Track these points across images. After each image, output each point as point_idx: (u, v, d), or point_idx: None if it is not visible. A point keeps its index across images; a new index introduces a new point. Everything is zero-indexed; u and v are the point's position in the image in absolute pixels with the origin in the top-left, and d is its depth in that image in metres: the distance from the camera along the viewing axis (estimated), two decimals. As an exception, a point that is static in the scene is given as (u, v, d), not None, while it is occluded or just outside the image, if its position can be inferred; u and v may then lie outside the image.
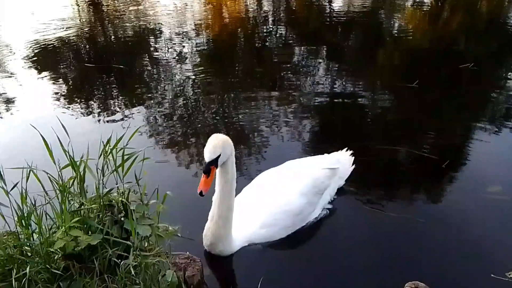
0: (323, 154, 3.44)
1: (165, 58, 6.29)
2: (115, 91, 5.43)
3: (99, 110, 4.87)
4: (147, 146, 4.01)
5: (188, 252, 2.59)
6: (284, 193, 2.86)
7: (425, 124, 4.49)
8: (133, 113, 4.74)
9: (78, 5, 9.14)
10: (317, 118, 4.72)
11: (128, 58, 6.33)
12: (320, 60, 6.38)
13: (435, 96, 5.12)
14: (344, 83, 5.56)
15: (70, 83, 5.65)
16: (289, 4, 9.72)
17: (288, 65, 6.12)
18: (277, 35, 7.59)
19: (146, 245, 2.25)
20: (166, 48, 6.65)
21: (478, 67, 5.55)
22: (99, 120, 4.63)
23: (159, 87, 5.43)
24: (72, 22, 7.70)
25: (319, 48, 6.86)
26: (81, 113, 4.81)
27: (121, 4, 9.03)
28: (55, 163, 2.09)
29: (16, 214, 2.02)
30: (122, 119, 4.62)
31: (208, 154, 2.39)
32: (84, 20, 7.98)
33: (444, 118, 4.64)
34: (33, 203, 2.06)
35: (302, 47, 6.93)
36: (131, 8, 8.79)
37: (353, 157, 3.42)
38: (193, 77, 5.67)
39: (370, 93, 5.31)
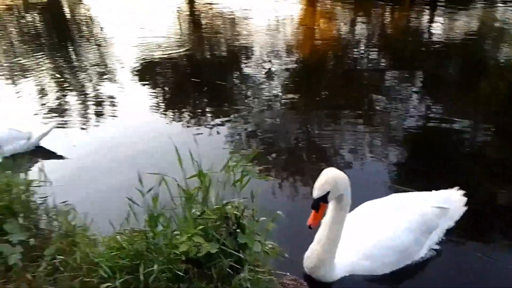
0: (424, 190, 3.24)
1: (259, 75, 6.53)
2: (222, 105, 5.61)
3: (204, 122, 5.14)
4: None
5: (288, 273, 2.63)
6: (391, 227, 2.77)
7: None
8: (230, 127, 4.96)
9: (180, 24, 9.97)
10: (414, 149, 4.50)
11: (227, 74, 6.68)
12: (416, 87, 6.07)
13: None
14: (443, 114, 5.15)
15: (181, 96, 6.08)
16: (384, 27, 9.50)
17: (380, 90, 5.94)
18: (369, 58, 7.43)
19: (252, 260, 2.34)
20: (260, 66, 6.91)
21: None
22: (209, 132, 4.84)
23: (254, 102, 5.62)
24: (175, 41, 8.37)
25: (414, 74, 6.56)
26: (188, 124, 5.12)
27: (219, 24, 9.65)
28: (182, 171, 2.30)
29: (148, 215, 2.25)
30: (219, 132, 4.86)
31: (316, 191, 2.41)
32: (185, 39, 8.64)
33: None
34: (162, 207, 2.28)
35: (396, 72, 6.68)
36: (228, 27, 9.36)
37: (466, 198, 3.18)
38: (288, 96, 5.77)
39: (475, 127, 4.90)
